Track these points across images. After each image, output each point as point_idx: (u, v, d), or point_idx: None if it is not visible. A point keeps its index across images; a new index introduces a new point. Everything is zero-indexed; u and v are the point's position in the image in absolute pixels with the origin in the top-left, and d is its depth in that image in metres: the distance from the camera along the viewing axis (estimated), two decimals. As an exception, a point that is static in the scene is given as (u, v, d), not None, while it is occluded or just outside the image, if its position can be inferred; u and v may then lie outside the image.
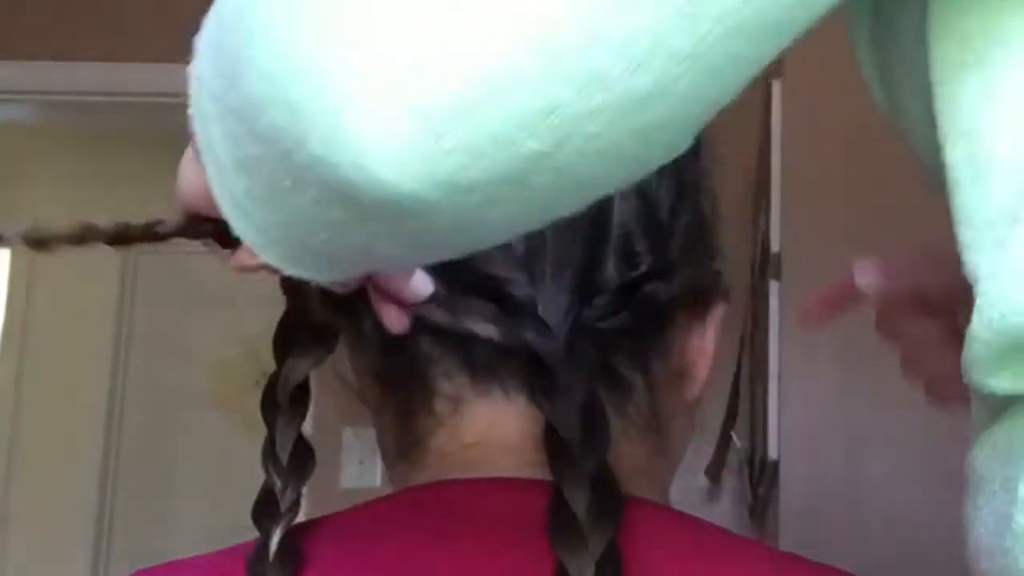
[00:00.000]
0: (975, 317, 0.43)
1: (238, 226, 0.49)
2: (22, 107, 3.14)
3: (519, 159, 0.40)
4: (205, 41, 0.49)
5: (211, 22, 0.49)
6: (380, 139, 0.40)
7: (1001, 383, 0.44)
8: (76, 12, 2.98)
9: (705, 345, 0.69)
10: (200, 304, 4.16)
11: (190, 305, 4.18)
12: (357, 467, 2.69)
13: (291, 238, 0.48)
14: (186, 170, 0.58)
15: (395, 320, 0.62)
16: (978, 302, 0.43)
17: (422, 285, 0.61)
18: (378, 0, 0.41)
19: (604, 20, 0.39)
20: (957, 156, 0.44)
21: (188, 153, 0.59)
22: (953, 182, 0.44)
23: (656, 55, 0.39)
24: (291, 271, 0.50)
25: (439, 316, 0.63)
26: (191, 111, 0.50)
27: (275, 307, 0.66)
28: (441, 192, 0.41)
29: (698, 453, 2.15)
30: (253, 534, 0.63)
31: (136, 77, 2.81)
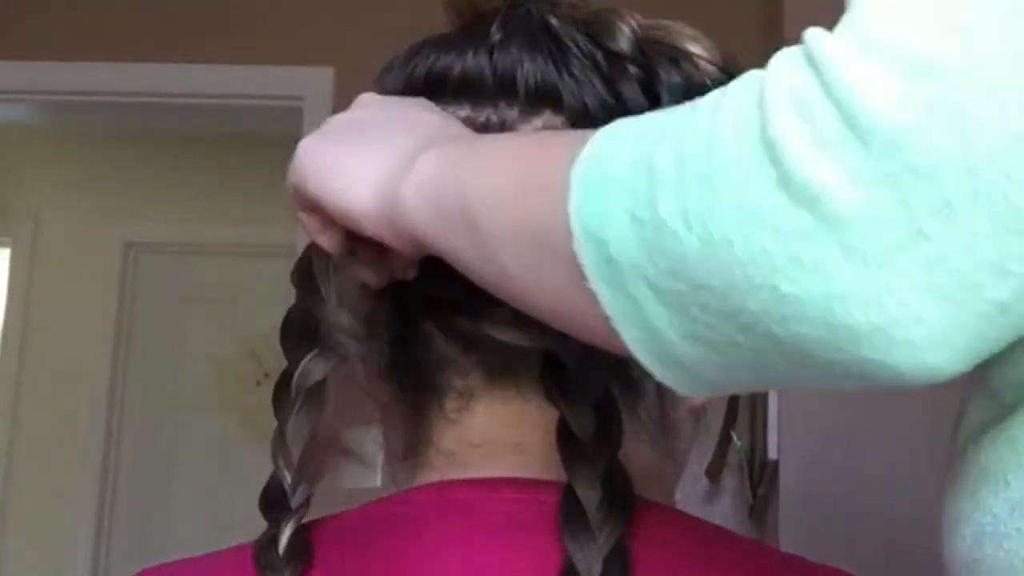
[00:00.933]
0: None
1: (641, 355, 0.46)
2: (22, 107, 3.15)
3: None
4: (620, 203, 0.44)
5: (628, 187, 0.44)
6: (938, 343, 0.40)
7: None
8: (75, 12, 2.98)
9: None
10: (200, 304, 4.17)
11: (190, 305, 4.18)
12: (357, 467, 2.69)
13: (706, 373, 0.46)
14: (336, 177, 0.57)
15: (371, 279, 0.63)
16: None
17: (410, 271, 0.62)
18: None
19: None
20: None
21: (325, 152, 0.58)
22: None
23: None
24: (678, 387, 0.47)
25: (461, 323, 0.63)
26: (581, 258, 0.45)
27: (275, 307, 0.66)
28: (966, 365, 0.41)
29: (698, 453, 2.14)
30: (253, 533, 0.63)
31: (135, 77, 2.80)
